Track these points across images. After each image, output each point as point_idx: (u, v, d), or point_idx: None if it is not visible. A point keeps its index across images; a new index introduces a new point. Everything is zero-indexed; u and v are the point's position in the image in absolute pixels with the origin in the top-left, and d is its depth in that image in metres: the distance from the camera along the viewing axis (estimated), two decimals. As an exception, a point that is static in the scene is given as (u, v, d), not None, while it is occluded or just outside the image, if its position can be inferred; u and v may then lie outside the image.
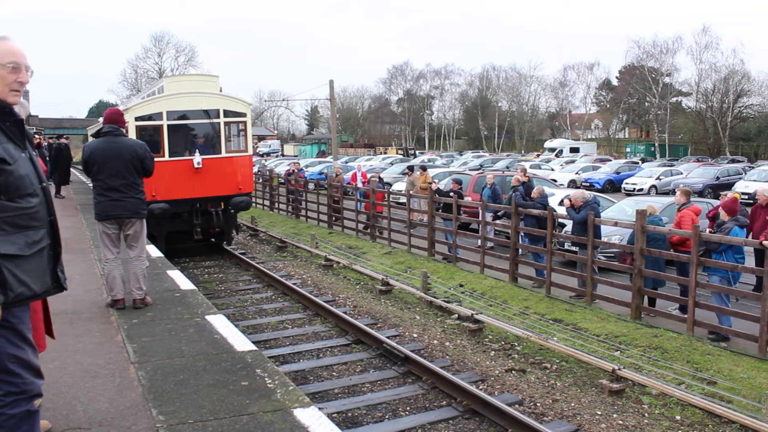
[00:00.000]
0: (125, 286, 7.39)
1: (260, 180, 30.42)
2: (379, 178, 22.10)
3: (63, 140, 25.13)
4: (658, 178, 36.19)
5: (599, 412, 7.52)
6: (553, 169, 42.98)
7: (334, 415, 7.27)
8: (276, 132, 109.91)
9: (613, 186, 37.50)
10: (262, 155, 64.00)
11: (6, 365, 3.19)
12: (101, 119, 29.84)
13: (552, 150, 65.40)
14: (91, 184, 28.40)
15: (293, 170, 25.93)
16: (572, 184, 36.69)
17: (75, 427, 4.23)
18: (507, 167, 39.19)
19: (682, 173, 37.80)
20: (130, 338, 6.14)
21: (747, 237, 10.47)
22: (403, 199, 18.84)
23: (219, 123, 16.16)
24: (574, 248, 12.77)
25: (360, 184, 21.14)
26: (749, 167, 40.28)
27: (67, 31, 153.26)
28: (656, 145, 70.22)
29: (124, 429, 4.19)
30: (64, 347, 5.84)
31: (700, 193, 30.47)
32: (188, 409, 4.48)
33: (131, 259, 7.38)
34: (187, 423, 4.25)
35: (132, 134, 15.36)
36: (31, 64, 3.41)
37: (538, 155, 63.59)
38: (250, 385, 4.92)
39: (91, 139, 30.78)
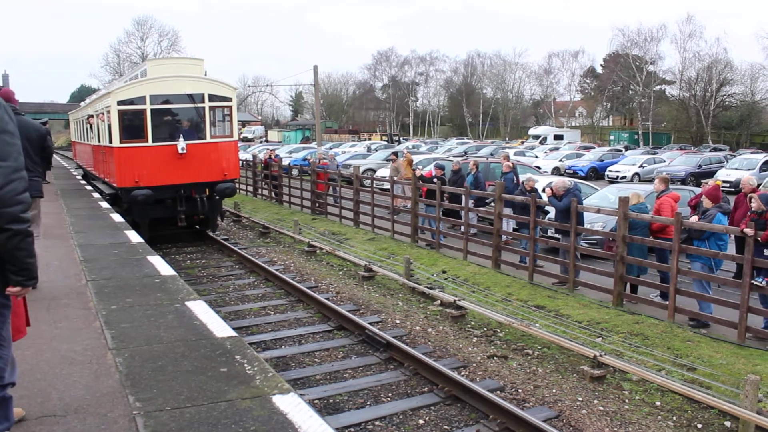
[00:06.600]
0: None
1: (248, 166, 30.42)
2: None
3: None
4: (641, 166, 36.38)
5: (580, 398, 7.56)
6: (537, 157, 43.12)
7: (316, 401, 7.25)
8: (260, 118, 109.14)
9: (596, 173, 37.63)
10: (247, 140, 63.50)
11: None
12: (83, 103, 29.25)
13: (536, 137, 65.53)
14: (72, 170, 27.86)
15: (269, 156, 27.07)
16: (556, 171, 36.81)
17: (50, 415, 4.16)
18: (491, 154, 39.21)
19: (665, 161, 38.00)
20: (109, 324, 6.05)
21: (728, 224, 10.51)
22: (387, 186, 18.78)
23: (204, 107, 15.96)
24: (557, 235, 12.79)
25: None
26: (731, 156, 40.57)
27: (48, 14, 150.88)
28: (640, 133, 70.56)
29: (101, 416, 4.13)
30: (40, 334, 5.75)
31: (683, 181, 30.69)
32: (166, 395, 4.43)
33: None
34: (164, 410, 4.19)
35: (114, 119, 15.13)
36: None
37: (523, 142, 63.69)
38: (229, 372, 4.87)
39: (72, 123, 30.37)
